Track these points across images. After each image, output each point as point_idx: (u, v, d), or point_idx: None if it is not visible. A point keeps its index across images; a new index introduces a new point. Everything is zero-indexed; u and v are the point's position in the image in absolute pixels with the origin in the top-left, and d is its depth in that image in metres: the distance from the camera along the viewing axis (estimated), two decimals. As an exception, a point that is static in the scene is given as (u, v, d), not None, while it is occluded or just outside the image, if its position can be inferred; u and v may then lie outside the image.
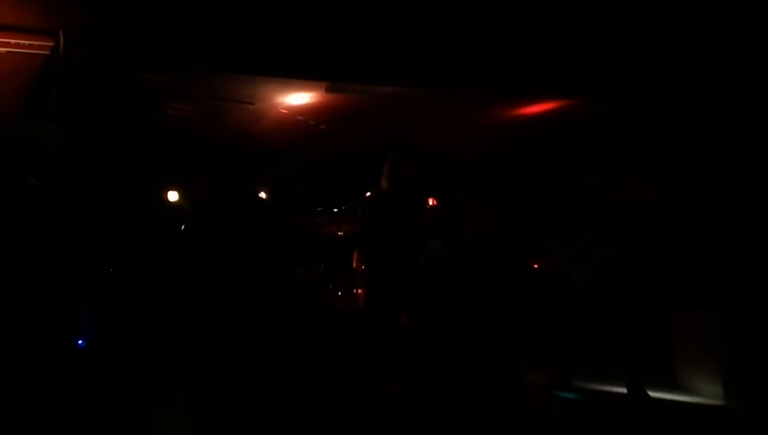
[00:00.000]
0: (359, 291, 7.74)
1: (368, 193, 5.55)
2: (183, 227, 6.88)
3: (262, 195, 8.29)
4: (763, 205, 5.63)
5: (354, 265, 7.79)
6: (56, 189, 4.80)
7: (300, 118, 6.80)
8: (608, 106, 6.58)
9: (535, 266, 7.64)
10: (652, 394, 5.55)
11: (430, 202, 7.86)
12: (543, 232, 6.17)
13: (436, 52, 5.52)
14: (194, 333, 5.79)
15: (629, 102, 6.27)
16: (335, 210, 9.38)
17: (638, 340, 5.84)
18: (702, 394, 5.94)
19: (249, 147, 7.96)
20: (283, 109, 6.73)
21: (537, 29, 5.59)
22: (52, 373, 4.59)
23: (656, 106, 6.31)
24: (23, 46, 4.85)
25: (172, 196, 7.43)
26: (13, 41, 4.81)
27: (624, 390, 5.62)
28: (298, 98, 6.44)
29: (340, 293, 8.43)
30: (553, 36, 5.62)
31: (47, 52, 4.89)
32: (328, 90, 6.07)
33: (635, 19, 5.64)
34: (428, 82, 5.81)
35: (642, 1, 5.62)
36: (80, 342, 4.95)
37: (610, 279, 5.65)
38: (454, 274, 6.77)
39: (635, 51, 5.72)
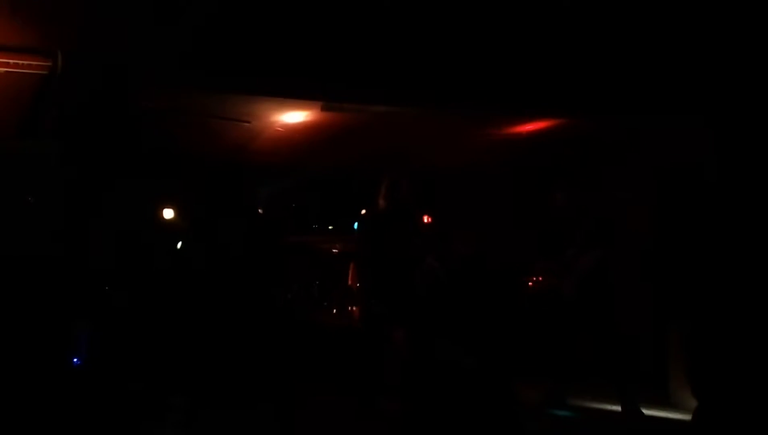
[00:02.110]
0: (354, 308, 7.77)
1: (364, 211, 5.60)
2: (180, 245, 6.90)
3: (258, 212, 8.32)
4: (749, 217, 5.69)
5: (349, 282, 7.81)
6: (53, 207, 4.82)
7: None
8: (603, 122, 6.65)
9: (530, 283, 7.67)
10: (646, 411, 5.56)
11: (426, 219, 7.90)
12: (531, 249, 6.25)
13: (431, 71, 5.59)
14: (191, 350, 5.80)
15: (623, 119, 6.34)
16: (330, 227, 9.39)
17: (630, 355, 5.87)
18: (696, 411, 5.94)
19: (245, 165, 7.99)
20: (279, 127, 6.77)
21: (530, 47, 5.66)
22: (47, 391, 4.58)
23: (651, 121, 6.38)
24: (22, 66, 4.90)
25: (169, 213, 7.44)
26: (12, 61, 4.86)
27: (618, 407, 5.63)
28: (293, 116, 6.48)
29: (335, 310, 8.44)
30: (547, 54, 5.69)
31: (45, 72, 4.93)
32: (323, 108, 6.11)
33: (629, 35, 5.71)
34: (422, 101, 5.88)
35: (635, 17, 5.70)
36: (75, 360, 4.95)
37: (597, 287, 5.70)
38: (450, 291, 6.79)
39: (630, 67, 5.80)
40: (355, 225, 6.54)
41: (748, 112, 5.78)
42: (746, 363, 5.18)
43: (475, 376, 5.34)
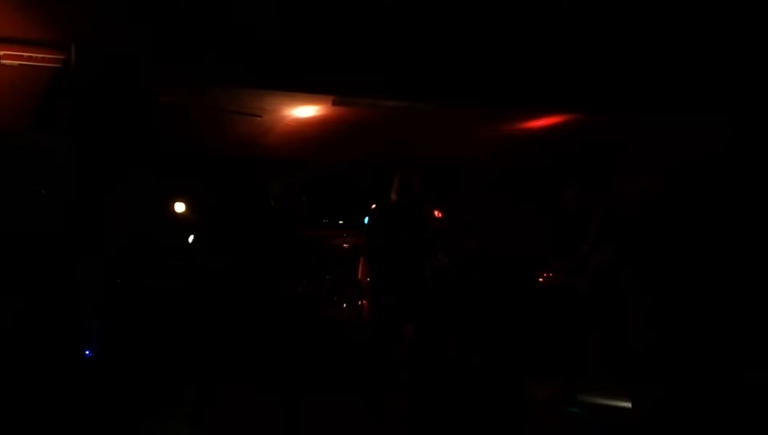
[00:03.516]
0: (364, 303, 7.77)
1: (374, 206, 5.60)
2: (191, 239, 6.92)
3: (269, 207, 8.32)
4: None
5: (359, 277, 7.81)
6: (66, 201, 4.84)
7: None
8: (613, 119, 6.63)
9: (540, 280, 7.66)
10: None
11: (437, 214, 7.89)
12: (543, 246, 6.24)
13: (443, 66, 5.58)
14: (201, 344, 5.82)
15: (636, 115, 6.32)
16: (341, 222, 9.38)
17: (641, 352, 5.85)
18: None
19: (256, 159, 8.00)
20: (290, 121, 6.78)
21: (540, 43, 5.65)
22: (59, 382, 4.62)
23: (664, 118, 6.36)
24: (35, 59, 4.91)
25: (180, 207, 7.46)
26: (25, 54, 4.88)
27: (629, 405, 5.61)
28: (305, 111, 6.48)
29: (345, 305, 8.43)
30: (558, 49, 5.68)
31: (59, 66, 4.95)
32: (334, 103, 6.11)
33: (641, 32, 5.69)
34: (435, 96, 5.87)
35: (646, 14, 5.67)
36: (87, 352, 4.98)
37: (611, 284, 5.70)
38: (459, 287, 6.79)
39: (641, 64, 5.78)
40: (366, 219, 6.54)
41: (761, 110, 5.76)
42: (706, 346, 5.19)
43: (482, 372, 5.35)
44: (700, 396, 5.11)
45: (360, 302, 7.95)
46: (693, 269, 5.85)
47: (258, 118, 6.63)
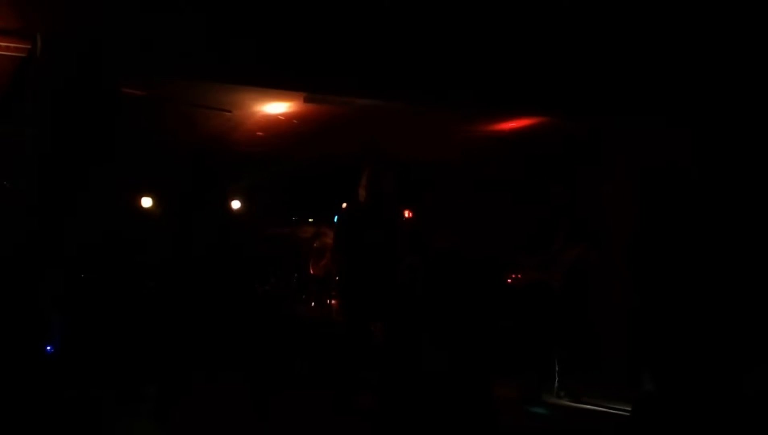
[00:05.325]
0: (333, 302, 7.75)
1: (344, 204, 5.58)
2: (156, 234, 6.85)
3: (237, 203, 8.28)
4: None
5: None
6: (29, 193, 4.77)
7: (281, 117, 6.76)
8: (584, 122, 6.69)
9: (510, 280, 7.70)
10: (624, 406, 5.58)
11: (406, 214, 7.89)
12: (513, 246, 6.29)
13: (415, 66, 5.59)
14: (165, 341, 5.76)
15: (606, 118, 6.39)
16: (310, 220, 9.34)
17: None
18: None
19: (224, 154, 7.94)
20: (260, 118, 6.73)
21: (513, 46, 5.68)
22: (19, 377, 4.54)
23: (632, 121, 6.42)
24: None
25: (146, 202, 7.39)
26: (-11, 43, 4.79)
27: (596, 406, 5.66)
28: (275, 107, 6.44)
29: (312, 304, 8.40)
30: (529, 52, 5.71)
31: (24, 55, 4.86)
32: (306, 100, 6.09)
33: (612, 36, 5.75)
34: (406, 95, 5.87)
35: (615, 19, 5.73)
36: (48, 348, 4.91)
37: (583, 280, 5.77)
38: (429, 287, 6.79)
39: (612, 67, 5.84)
40: (336, 218, 6.52)
41: (730, 113, 5.85)
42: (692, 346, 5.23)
43: (451, 372, 5.35)
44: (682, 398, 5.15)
45: (329, 301, 7.94)
46: (682, 271, 5.91)
47: (228, 114, 6.58)
